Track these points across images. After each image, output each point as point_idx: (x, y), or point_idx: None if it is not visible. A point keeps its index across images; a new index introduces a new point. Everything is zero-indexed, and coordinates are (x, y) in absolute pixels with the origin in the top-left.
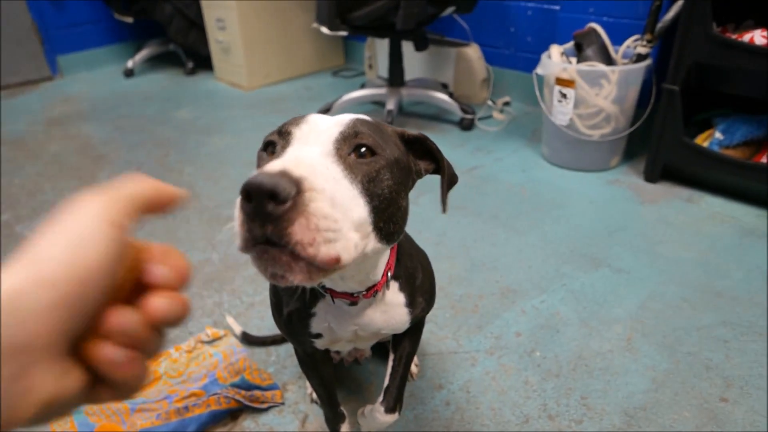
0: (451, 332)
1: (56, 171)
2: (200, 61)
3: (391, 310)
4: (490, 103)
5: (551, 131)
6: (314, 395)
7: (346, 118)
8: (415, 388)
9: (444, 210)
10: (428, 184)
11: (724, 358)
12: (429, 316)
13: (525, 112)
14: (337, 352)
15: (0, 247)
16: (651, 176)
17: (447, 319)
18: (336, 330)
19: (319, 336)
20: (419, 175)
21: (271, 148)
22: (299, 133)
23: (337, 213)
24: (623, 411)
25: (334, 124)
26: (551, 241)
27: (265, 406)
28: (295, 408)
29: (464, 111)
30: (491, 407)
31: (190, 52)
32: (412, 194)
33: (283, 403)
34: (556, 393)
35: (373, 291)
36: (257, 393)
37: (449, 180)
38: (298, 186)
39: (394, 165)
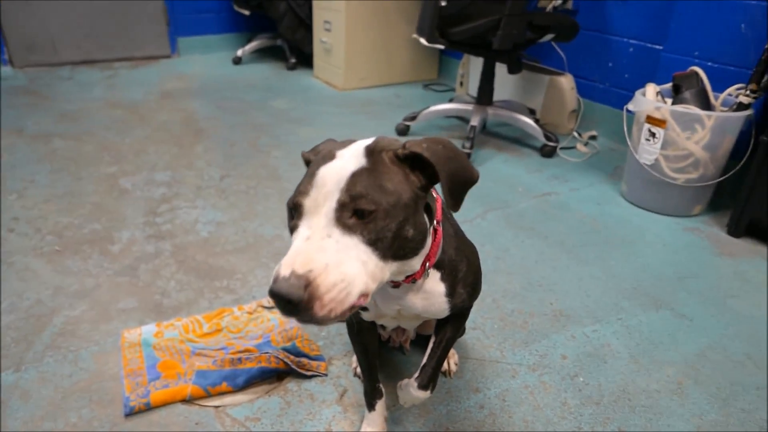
0: (497, 342)
1: (161, 137)
2: (302, 58)
3: (431, 297)
4: (575, 134)
5: (634, 169)
6: (357, 369)
7: (349, 168)
8: (452, 386)
9: (453, 208)
10: (497, 202)
11: None
12: (477, 324)
13: (609, 149)
14: (383, 328)
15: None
16: (734, 230)
17: (495, 330)
18: (380, 306)
19: (365, 309)
20: (426, 189)
21: (292, 213)
22: (307, 204)
23: (347, 270)
24: None
25: (335, 187)
26: (615, 275)
27: (309, 373)
28: (337, 381)
29: (547, 138)
30: (524, 419)
31: (294, 48)
32: (478, 210)
33: (326, 375)
34: (593, 420)
35: (411, 278)
36: (304, 360)
37: (464, 180)
38: (306, 281)
39: (393, 209)
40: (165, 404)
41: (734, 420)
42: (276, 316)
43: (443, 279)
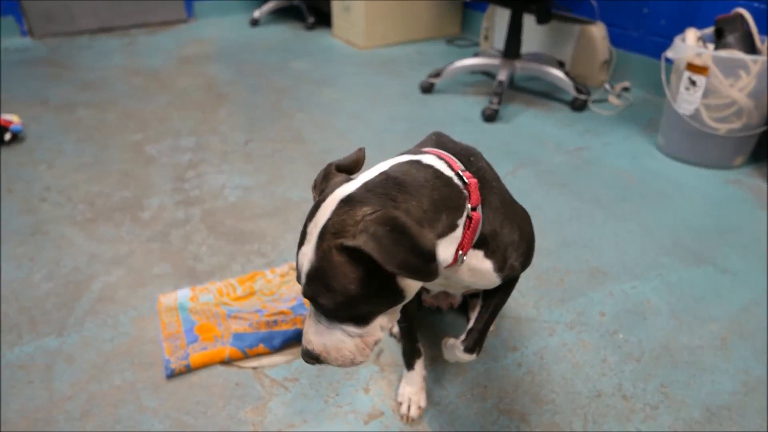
0: (533, 300)
1: (183, 103)
2: (321, 17)
3: (479, 273)
4: (607, 86)
5: (672, 120)
6: (395, 329)
7: (305, 264)
8: (489, 345)
9: (417, 276)
10: (528, 158)
11: None
12: None
13: (644, 100)
14: (427, 291)
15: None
16: None
17: (530, 289)
18: None
19: None
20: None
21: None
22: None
23: (343, 347)
24: (705, 407)
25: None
26: (653, 230)
27: None
28: None
29: (578, 91)
30: (563, 376)
31: (312, 7)
32: (508, 167)
33: None
34: (634, 376)
35: (452, 263)
36: None
37: (414, 264)
38: (316, 358)
39: (344, 305)
40: (204, 366)
41: None
42: None
43: (488, 256)
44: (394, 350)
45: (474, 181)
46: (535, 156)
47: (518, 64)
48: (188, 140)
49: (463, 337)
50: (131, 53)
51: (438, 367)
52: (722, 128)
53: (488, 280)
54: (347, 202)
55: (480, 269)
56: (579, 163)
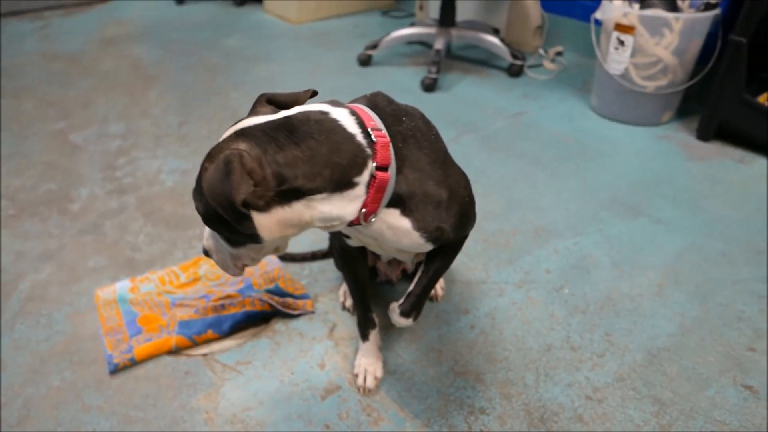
0: (481, 263)
1: (108, 87)
2: None
3: (399, 232)
4: (541, 51)
5: (603, 81)
6: (347, 303)
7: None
8: (440, 310)
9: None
10: (469, 125)
11: (757, 311)
12: None
13: (577, 64)
14: (378, 257)
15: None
16: (704, 134)
17: (478, 252)
18: (357, 236)
19: (347, 236)
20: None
21: None
22: None
23: (220, 257)
24: (646, 350)
25: None
26: (591, 187)
27: (296, 312)
28: (325, 317)
29: (514, 57)
30: (515, 334)
31: None
32: (451, 134)
33: (313, 312)
34: (581, 327)
35: (356, 222)
36: (289, 300)
37: (224, 209)
38: (208, 251)
39: (207, 217)
40: (150, 358)
41: (713, 314)
42: None
43: (405, 214)
44: (347, 324)
45: (383, 140)
46: (476, 122)
47: (454, 33)
48: (117, 126)
49: (401, 300)
50: (46, 37)
51: (393, 336)
52: (650, 86)
53: (413, 240)
54: (238, 134)
55: (399, 227)
56: (519, 126)
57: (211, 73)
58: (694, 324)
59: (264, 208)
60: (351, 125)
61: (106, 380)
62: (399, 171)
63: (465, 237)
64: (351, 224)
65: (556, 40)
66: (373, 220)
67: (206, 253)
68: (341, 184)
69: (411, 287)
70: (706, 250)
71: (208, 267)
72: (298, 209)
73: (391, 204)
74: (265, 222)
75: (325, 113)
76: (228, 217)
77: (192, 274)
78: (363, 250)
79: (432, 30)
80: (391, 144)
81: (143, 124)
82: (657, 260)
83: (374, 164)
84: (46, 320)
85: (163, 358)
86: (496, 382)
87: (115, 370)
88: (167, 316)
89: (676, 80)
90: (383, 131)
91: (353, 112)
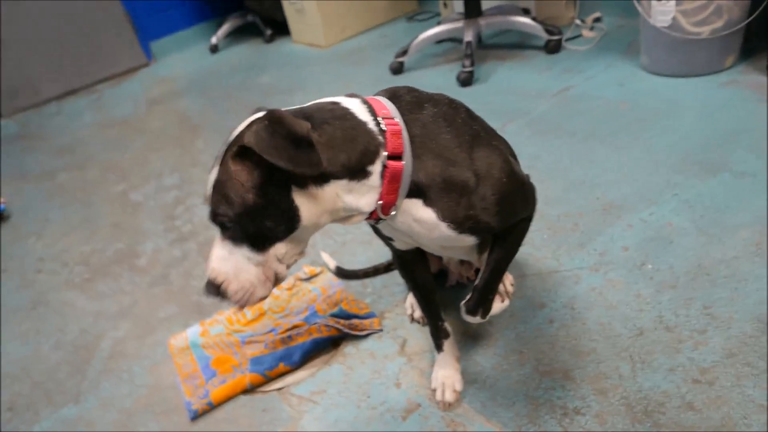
0: (550, 252)
1: (160, 143)
2: (278, 27)
3: (426, 224)
4: (578, 22)
5: (651, 37)
6: (415, 314)
7: (211, 180)
8: (514, 308)
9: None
10: (514, 112)
11: None
12: (524, 240)
13: (618, 26)
14: (440, 259)
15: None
16: None
17: (544, 240)
18: (394, 233)
19: (390, 239)
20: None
21: None
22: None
23: (244, 277)
24: (755, 318)
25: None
26: (658, 152)
27: (364, 333)
28: (394, 333)
29: (549, 33)
30: (599, 322)
31: (267, 20)
32: (495, 125)
33: (381, 330)
34: (674, 304)
35: (374, 217)
36: (356, 321)
37: (289, 155)
38: (217, 288)
39: (242, 216)
40: (228, 399)
41: None
42: (317, 286)
43: (428, 204)
44: (418, 337)
45: (394, 128)
46: (520, 108)
47: (482, 22)
48: (171, 178)
49: (467, 298)
50: (100, 108)
51: (468, 343)
52: (705, 30)
53: (443, 233)
54: (254, 121)
55: (424, 219)
56: (566, 104)
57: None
58: None
59: (302, 183)
60: (362, 113)
61: (188, 427)
62: (417, 158)
63: (524, 223)
64: (375, 219)
65: (592, 6)
66: (393, 213)
67: (215, 289)
68: (357, 171)
69: (476, 283)
70: None
71: (271, 300)
72: (329, 192)
73: (412, 194)
74: (304, 200)
75: (336, 103)
76: (289, 164)
77: (257, 310)
78: (421, 253)
79: (459, 24)
80: (404, 132)
81: (195, 172)
82: (749, 217)
83: (386, 153)
84: (128, 375)
85: (239, 398)
86: (587, 377)
87: (196, 416)
88: (239, 355)
89: (733, 18)
90: (396, 119)
91: (365, 102)
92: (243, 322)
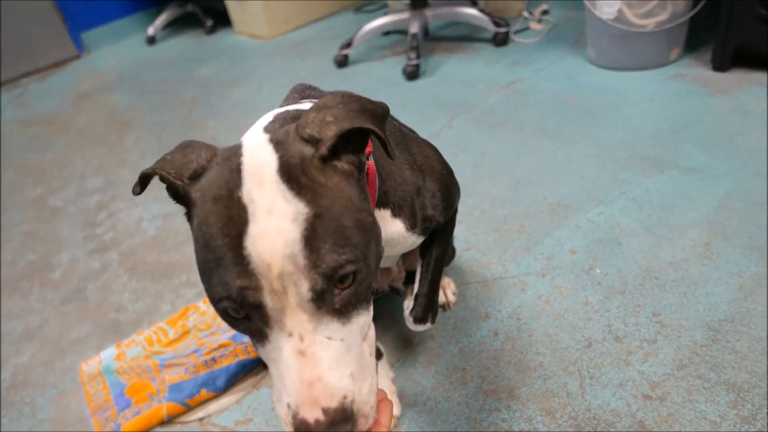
0: (496, 257)
1: (84, 142)
2: (219, 17)
3: (395, 236)
4: (526, 14)
5: (597, 29)
6: None
7: (288, 228)
8: (457, 319)
9: (392, 156)
10: (461, 106)
11: None
12: (469, 243)
13: (566, 18)
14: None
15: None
16: (721, 64)
17: (490, 244)
18: None
19: None
20: (361, 167)
21: (239, 317)
22: (268, 301)
23: (369, 374)
24: (706, 325)
25: (290, 264)
26: (606, 147)
27: None
28: None
29: (497, 25)
30: (546, 333)
31: (207, 9)
32: (442, 120)
33: None
34: (623, 312)
35: None
36: None
37: (383, 118)
38: (346, 412)
39: (366, 248)
40: None
41: None
42: None
43: (395, 215)
44: None
45: None
46: (467, 101)
47: (429, 13)
48: (95, 180)
49: (410, 307)
50: (23, 104)
51: (407, 361)
52: (650, 23)
53: (407, 241)
54: (269, 133)
55: (394, 232)
56: (514, 97)
57: (187, 107)
58: (757, 283)
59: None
60: None
61: None
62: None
63: (455, 214)
64: None
65: None
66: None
67: (346, 422)
68: (363, 165)
69: (416, 289)
70: (753, 192)
71: (196, 316)
72: None
73: (380, 203)
74: None
75: (296, 109)
76: (384, 119)
77: (180, 327)
78: None
79: (405, 15)
80: None
81: (121, 173)
82: (697, 216)
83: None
84: (30, 408)
85: (155, 431)
86: (534, 395)
87: None
88: (156, 382)
89: (677, 11)
90: None
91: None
92: (164, 343)
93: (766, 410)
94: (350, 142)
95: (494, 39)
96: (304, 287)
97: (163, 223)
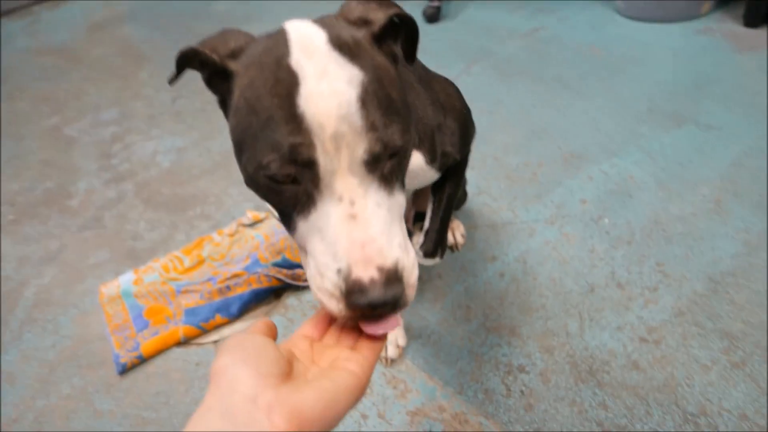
0: (506, 203)
1: (99, 74)
2: None
3: (414, 170)
4: None
5: None
6: None
7: (344, 90)
8: (464, 260)
9: (412, 58)
10: (480, 52)
11: None
12: (481, 188)
13: None
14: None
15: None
16: (753, 19)
17: (501, 190)
18: None
19: None
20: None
21: (287, 180)
22: (322, 161)
23: (409, 246)
24: (707, 277)
25: (345, 125)
26: (625, 101)
27: (307, 284)
28: None
29: None
30: (550, 277)
31: None
32: (460, 66)
33: None
34: (627, 261)
35: None
36: (299, 271)
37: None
38: (398, 273)
39: (410, 122)
40: (159, 352)
41: None
42: (260, 233)
43: (416, 148)
44: None
45: None
46: (488, 48)
47: None
48: (110, 112)
49: (421, 241)
50: (35, 32)
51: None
52: None
53: (425, 176)
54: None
55: (414, 164)
56: (536, 45)
57: None
58: (762, 239)
59: None
60: None
61: (116, 382)
62: None
63: (468, 154)
64: None
65: None
66: None
67: (396, 286)
68: None
69: (427, 224)
70: None
71: (211, 247)
72: None
73: None
74: None
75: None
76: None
77: (196, 256)
78: None
79: None
80: None
81: (136, 106)
82: (710, 172)
83: None
84: (53, 326)
85: (172, 351)
86: (534, 334)
87: (124, 370)
88: (173, 306)
89: None
90: None
91: None
92: (180, 270)
93: (756, 357)
94: (389, 33)
95: None
96: (360, 149)
97: (177, 157)
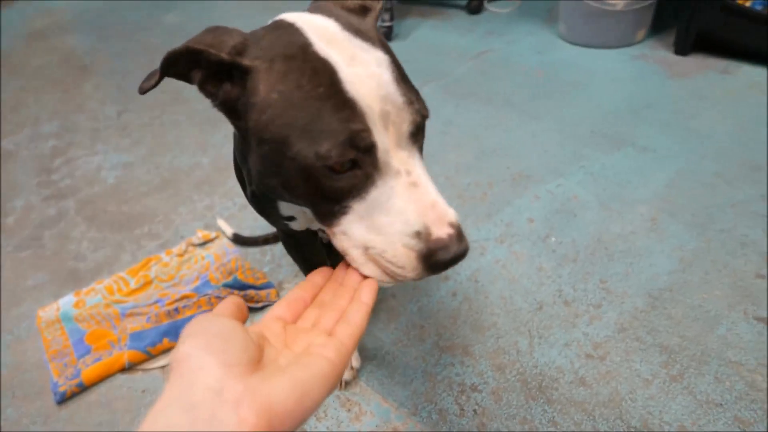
0: None
1: (39, 84)
2: None
3: None
4: None
5: (569, 5)
6: None
7: (378, 72)
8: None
9: None
10: (432, 72)
11: (761, 233)
12: None
13: None
14: (324, 231)
15: None
16: (682, 47)
17: (454, 210)
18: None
19: (292, 219)
20: None
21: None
22: (380, 141)
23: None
24: (647, 293)
25: (388, 104)
26: (569, 123)
27: (260, 305)
28: None
29: None
30: (501, 296)
31: None
32: (415, 84)
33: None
34: (573, 278)
35: None
36: (251, 292)
37: None
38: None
39: None
40: (101, 379)
41: (715, 243)
42: (210, 252)
43: None
44: None
45: None
46: (439, 69)
47: None
48: (50, 125)
49: None
50: None
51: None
52: (619, 2)
53: None
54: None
55: None
56: (485, 67)
57: (151, 55)
58: (695, 257)
59: None
60: None
61: (54, 412)
62: None
63: None
64: None
65: None
66: None
67: (462, 239)
68: None
69: None
70: (700, 173)
71: (159, 267)
72: None
73: None
74: None
75: None
76: None
77: (142, 278)
78: (313, 234)
79: None
80: None
81: (79, 119)
82: (647, 192)
83: None
84: None
85: (116, 377)
86: (486, 353)
87: (63, 399)
88: (117, 330)
89: None
90: None
91: None
92: (125, 292)
93: (692, 370)
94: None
95: (468, 6)
96: (405, 124)
97: (123, 173)
